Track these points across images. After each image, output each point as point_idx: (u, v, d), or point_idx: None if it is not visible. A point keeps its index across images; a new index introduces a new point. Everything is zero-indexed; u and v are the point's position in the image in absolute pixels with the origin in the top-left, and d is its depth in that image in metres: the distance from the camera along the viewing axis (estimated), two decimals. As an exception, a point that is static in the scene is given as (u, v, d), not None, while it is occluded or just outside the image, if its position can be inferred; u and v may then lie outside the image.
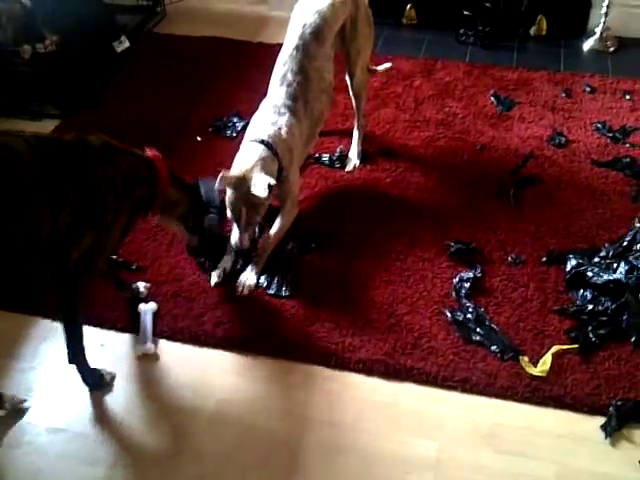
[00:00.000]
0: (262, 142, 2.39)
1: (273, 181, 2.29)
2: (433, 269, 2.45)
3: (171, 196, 2.17)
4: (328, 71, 2.62)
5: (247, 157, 2.35)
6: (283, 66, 2.55)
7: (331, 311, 2.32)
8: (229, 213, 2.35)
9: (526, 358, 2.16)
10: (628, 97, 3.29)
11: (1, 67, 3.32)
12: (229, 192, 2.32)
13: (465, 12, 3.77)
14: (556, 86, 3.38)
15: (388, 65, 3.09)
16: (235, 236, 2.38)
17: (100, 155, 1.91)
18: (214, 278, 2.41)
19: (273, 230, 2.49)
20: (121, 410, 2.08)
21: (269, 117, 2.47)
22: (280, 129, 2.44)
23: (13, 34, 3.38)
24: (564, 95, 3.31)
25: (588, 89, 3.35)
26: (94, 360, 2.20)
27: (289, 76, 2.52)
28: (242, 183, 2.29)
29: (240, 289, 2.38)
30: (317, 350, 2.20)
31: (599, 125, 3.10)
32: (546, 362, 2.14)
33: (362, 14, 2.72)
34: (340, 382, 2.14)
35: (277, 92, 2.54)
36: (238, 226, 2.36)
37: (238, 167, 2.35)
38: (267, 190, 2.26)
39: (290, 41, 2.57)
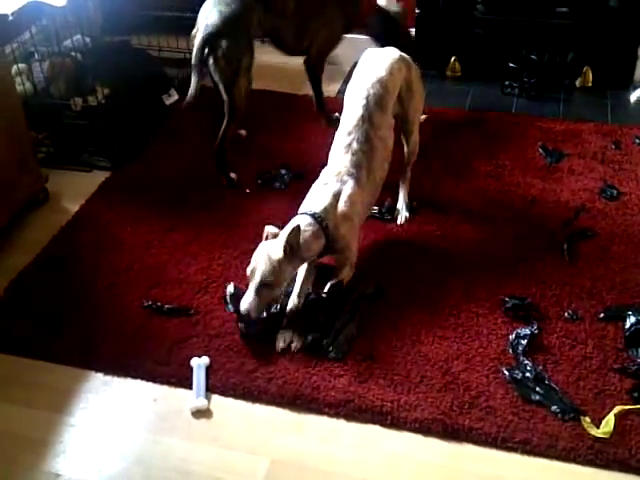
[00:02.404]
0: (312, 216, 2.41)
1: (277, 262, 2.31)
2: (488, 325, 2.41)
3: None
4: (390, 138, 2.66)
5: (294, 229, 2.34)
6: (348, 135, 2.57)
7: (384, 368, 2.28)
8: (249, 276, 2.35)
9: (588, 419, 2.10)
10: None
11: (53, 119, 3.39)
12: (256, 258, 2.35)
13: (510, 64, 3.77)
14: (604, 138, 3.36)
15: (424, 116, 3.13)
16: (247, 300, 2.33)
17: None
18: (280, 343, 2.37)
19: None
20: (173, 468, 2.05)
21: (331, 186, 2.49)
22: (339, 200, 2.45)
23: (65, 87, 3.46)
24: (613, 147, 3.29)
25: (637, 141, 3.32)
26: (146, 416, 2.19)
27: (354, 145, 2.54)
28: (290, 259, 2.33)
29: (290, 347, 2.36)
30: (371, 408, 2.16)
31: (655, 174, 3.07)
32: (609, 423, 2.08)
33: (414, 74, 2.78)
34: (396, 442, 2.10)
35: (341, 160, 2.55)
36: (253, 288, 2.33)
37: (279, 236, 2.37)
38: (273, 267, 2.29)
39: (354, 111, 2.60)
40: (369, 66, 2.72)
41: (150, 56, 3.85)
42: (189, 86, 2.96)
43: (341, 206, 2.45)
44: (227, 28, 2.89)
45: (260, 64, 4.14)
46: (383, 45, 3.13)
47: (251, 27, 2.98)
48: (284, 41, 3.25)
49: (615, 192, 3.00)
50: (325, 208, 2.43)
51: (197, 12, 2.97)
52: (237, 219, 2.92)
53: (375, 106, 2.60)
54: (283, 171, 3.16)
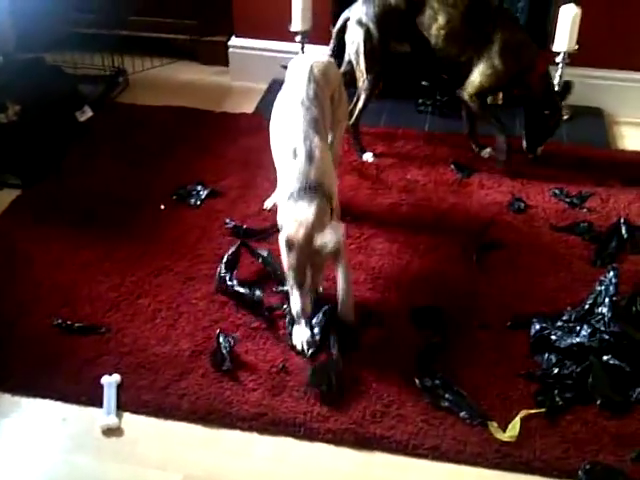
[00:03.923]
0: (313, 188, 2.30)
1: (342, 230, 2.25)
2: (399, 334, 2.45)
3: None
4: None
5: (303, 211, 2.25)
6: (298, 94, 2.54)
7: (298, 380, 2.29)
8: (291, 278, 2.27)
9: (495, 423, 2.15)
10: (583, 163, 3.39)
11: (-37, 137, 3.31)
12: (292, 255, 2.22)
13: (423, 82, 3.86)
14: (514, 153, 3.46)
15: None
16: (297, 303, 2.29)
17: None
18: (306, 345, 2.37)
19: (342, 283, 2.35)
20: (84, 487, 2.02)
21: (302, 156, 2.37)
22: (318, 163, 2.36)
23: (-25, 104, 3.39)
24: (522, 162, 3.39)
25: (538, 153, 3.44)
26: (56, 435, 2.15)
27: (306, 102, 2.50)
28: (308, 242, 2.21)
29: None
30: (285, 421, 2.17)
31: (556, 191, 3.18)
32: (515, 427, 2.14)
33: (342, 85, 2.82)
34: (309, 453, 2.11)
35: (297, 116, 2.48)
36: (301, 291, 2.28)
37: (296, 224, 2.23)
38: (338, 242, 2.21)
39: (300, 78, 2.58)
40: (308, 60, 2.70)
41: (64, 73, 3.80)
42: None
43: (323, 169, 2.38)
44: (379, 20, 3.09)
45: (177, 81, 4.17)
46: (528, 118, 3.27)
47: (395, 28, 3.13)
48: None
49: (523, 205, 3.10)
50: (317, 176, 2.32)
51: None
52: (151, 235, 2.90)
53: (320, 75, 2.59)
54: (199, 187, 3.15)
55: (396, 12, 3.09)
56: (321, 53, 2.89)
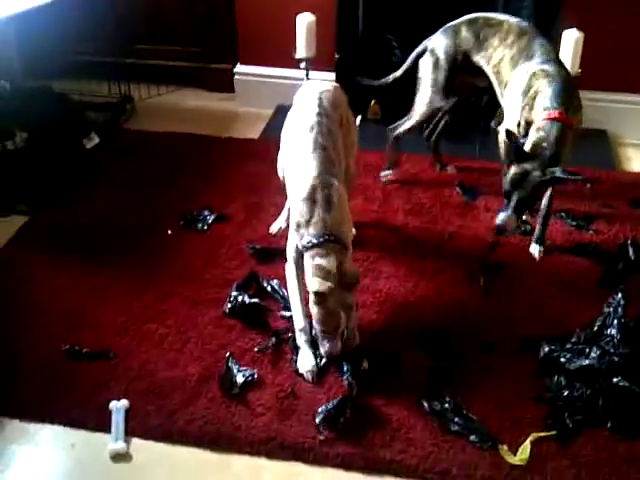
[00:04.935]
0: (332, 240, 2.30)
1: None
2: (407, 358, 2.44)
3: None
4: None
5: (325, 263, 2.25)
6: (310, 132, 2.49)
7: (306, 404, 2.28)
8: (324, 328, 2.28)
9: (505, 447, 2.14)
10: (588, 185, 3.39)
11: (-30, 165, 3.33)
12: (323, 306, 2.24)
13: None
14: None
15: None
16: (327, 345, 2.31)
17: None
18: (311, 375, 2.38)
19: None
20: (92, 514, 2.01)
21: (320, 202, 2.35)
22: (336, 211, 2.35)
23: (-17, 132, 3.41)
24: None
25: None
26: (65, 461, 2.14)
27: (320, 139, 2.47)
28: (336, 291, 2.23)
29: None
30: (293, 445, 2.16)
31: (563, 213, 3.18)
32: (525, 450, 2.13)
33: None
34: (319, 478, 2.10)
35: (310, 160, 2.44)
36: (333, 336, 2.30)
37: (321, 277, 2.24)
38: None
39: (309, 112, 2.56)
40: (315, 88, 2.70)
41: (71, 100, 3.84)
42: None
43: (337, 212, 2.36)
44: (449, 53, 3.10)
45: (184, 108, 4.20)
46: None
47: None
48: None
49: (529, 227, 3.09)
50: (333, 224, 2.32)
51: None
52: (158, 261, 2.91)
53: (329, 105, 2.59)
54: (206, 212, 3.17)
55: (463, 49, 3.08)
56: (326, 81, 2.87)
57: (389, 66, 3.93)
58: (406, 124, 3.34)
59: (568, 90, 2.70)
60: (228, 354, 2.43)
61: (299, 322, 2.42)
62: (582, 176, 2.66)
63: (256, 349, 2.48)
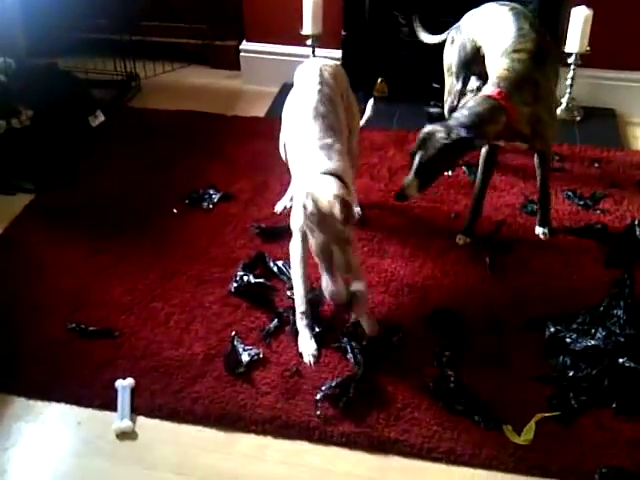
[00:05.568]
0: (333, 174, 2.28)
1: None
2: (413, 338, 2.44)
3: None
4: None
5: (321, 188, 2.20)
6: (311, 101, 2.48)
7: (311, 384, 2.29)
8: (319, 259, 2.21)
9: (510, 427, 2.14)
10: (596, 165, 3.37)
11: (-24, 143, 3.32)
12: (315, 233, 2.18)
13: (434, 85, 3.85)
14: (526, 156, 3.44)
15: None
16: (328, 285, 2.21)
17: None
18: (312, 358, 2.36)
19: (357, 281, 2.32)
20: (98, 491, 2.02)
21: (320, 151, 2.35)
22: (337, 162, 2.33)
23: (-12, 110, 3.40)
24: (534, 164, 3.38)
25: (557, 157, 3.43)
26: (71, 439, 2.15)
27: (321, 108, 2.45)
28: (328, 214, 2.15)
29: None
30: (298, 424, 2.17)
31: (570, 193, 3.16)
32: (530, 430, 2.13)
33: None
34: (323, 456, 2.11)
35: (312, 127, 2.42)
36: (330, 272, 2.20)
37: (315, 200, 2.16)
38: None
39: (310, 85, 2.54)
40: (316, 64, 2.68)
41: (76, 78, 3.82)
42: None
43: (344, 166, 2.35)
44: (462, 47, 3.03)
45: (189, 85, 4.18)
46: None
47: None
48: None
49: (536, 207, 3.08)
50: (339, 166, 2.31)
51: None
52: (164, 239, 2.91)
53: (330, 78, 2.57)
54: (211, 191, 3.16)
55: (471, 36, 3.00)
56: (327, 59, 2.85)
57: (397, 43, 3.93)
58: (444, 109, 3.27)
59: (524, 82, 2.54)
60: (233, 333, 2.44)
61: (300, 305, 2.41)
62: (503, 145, 2.65)
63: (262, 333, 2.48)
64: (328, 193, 2.19)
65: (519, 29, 2.70)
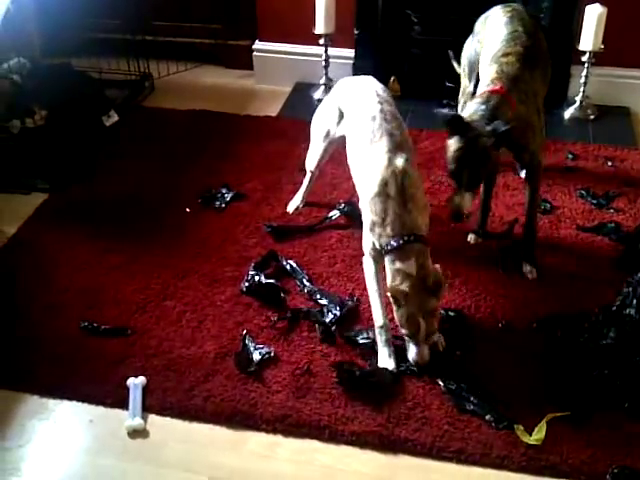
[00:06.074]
0: (411, 237, 2.24)
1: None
2: (424, 337, 2.44)
3: None
4: None
5: (404, 262, 2.21)
6: (372, 121, 2.43)
7: (322, 382, 2.29)
8: (404, 328, 2.23)
9: (521, 426, 2.14)
10: (610, 163, 3.36)
11: (-10, 142, 3.35)
12: (402, 308, 2.20)
13: (448, 84, 3.85)
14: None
15: None
16: (414, 352, 2.25)
17: None
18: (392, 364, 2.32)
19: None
20: (110, 489, 2.04)
21: (394, 195, 2.27)
22: (411, 204, 2.28)
23: (3, 109, 3.43)
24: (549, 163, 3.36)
25: (570, 156, 3.41)
26: (83, 437, 2.17)
27: (385, 125, 2.41)
28: (416, 292, 2.19)
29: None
30: (309, 423, 2.17)
31: (583, 191, 3.15)
32: (541, 430, 2.13)
33: None
34: (334, 455, 2.11)
35: (379, 146, 2.36)
36: (416, 340, 2.24)
37: (400, 277, 2.21)
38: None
39: (367, 108, 2.49)
40: (363, 81, 2.67)
41: (90, 78, 3.84)
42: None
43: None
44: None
45: (202, 85, 4.20)
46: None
47: None
48: None
49: (549, 206, 3.07)
50: (420, 224, 2.29)
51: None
52: (176, 239, 2.92)
53: (385, 94, 2.57)
54: (224, 190, 3.17)
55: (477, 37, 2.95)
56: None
57: (409, 42, 3.92)
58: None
59: (517, 81, 2.51)
60: (245, 332, 2.44)
61: (378, 319, 2.35)
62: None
63: (273, 319, 2.50)
64: (410, 271, 2.19)
65: (511, 32, 2.67)
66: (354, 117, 2.55)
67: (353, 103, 2.59)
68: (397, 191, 2.26)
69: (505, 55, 2.58)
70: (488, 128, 2.35)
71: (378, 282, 2.37)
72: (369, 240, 2.35)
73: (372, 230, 2.31)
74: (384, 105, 2.48)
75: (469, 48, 2.99)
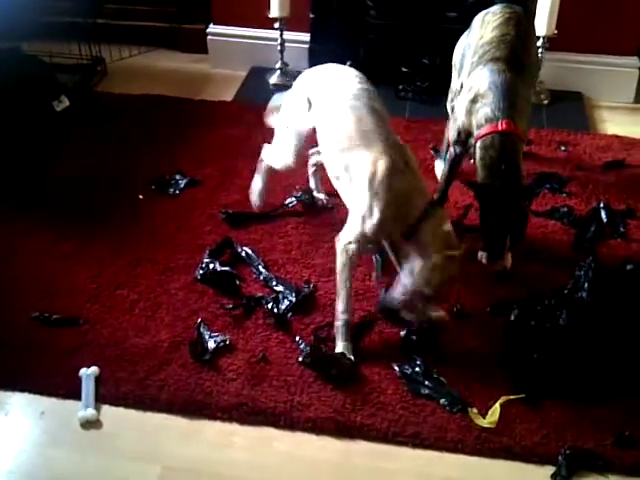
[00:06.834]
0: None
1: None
2: (379, 324, 2.44)
3: None
4: None
5: (438, 230, 2.23)
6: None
7: (278, 369, 2.29)
8: (435, 293, 2.24)
9: (475, 410, 2.16)
10: (563, 148, 3.39)
11: None
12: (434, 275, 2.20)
13: (403, 69, 3.85)
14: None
15: None
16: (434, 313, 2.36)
17: None
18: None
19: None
20: (63, 480, 2.01)
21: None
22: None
23: (-51, 95, 3.34)
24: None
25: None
26: (34, 430, 2.13)
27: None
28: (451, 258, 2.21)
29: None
30: (265, 410, 2.16)
31: (536, 176, 3.18)
32: (495, 413, 2.15)
33: None
34: (290, 442, 2.11)
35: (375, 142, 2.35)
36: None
37: (435, 246, 2.20)
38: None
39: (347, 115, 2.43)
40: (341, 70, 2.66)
41: (41, 62, 3.74)
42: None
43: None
44: None
45: (156, 69, 4.13)
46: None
47: None
48: None
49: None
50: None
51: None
52: (129, 226, 2.88)
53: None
54: (177, 176, 3.13)
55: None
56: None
57: (365, 27, 3.91)
58: None
59: (510, 94, 2.48)
60: (199, 320, 2.42)
61: (344, 313, 2.33)
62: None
63: (228, 307, 2.48)
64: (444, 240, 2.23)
65: (501, 35, 2.65)
66: (327, 105, 2.48)
67: (325, 91, 2.53)
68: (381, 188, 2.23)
69: (494, 60, 2.57)
70: (520, 186, 2.40)
71: (351, 273, 2.33)
72: (355, 230, 2.27)
73: (362, 222, 2.24)
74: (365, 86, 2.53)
75: (462, 44, 2.96)
